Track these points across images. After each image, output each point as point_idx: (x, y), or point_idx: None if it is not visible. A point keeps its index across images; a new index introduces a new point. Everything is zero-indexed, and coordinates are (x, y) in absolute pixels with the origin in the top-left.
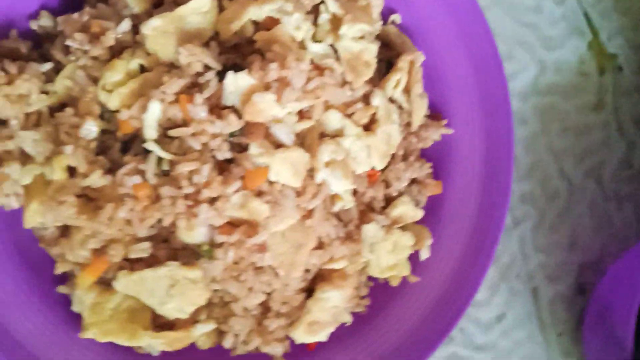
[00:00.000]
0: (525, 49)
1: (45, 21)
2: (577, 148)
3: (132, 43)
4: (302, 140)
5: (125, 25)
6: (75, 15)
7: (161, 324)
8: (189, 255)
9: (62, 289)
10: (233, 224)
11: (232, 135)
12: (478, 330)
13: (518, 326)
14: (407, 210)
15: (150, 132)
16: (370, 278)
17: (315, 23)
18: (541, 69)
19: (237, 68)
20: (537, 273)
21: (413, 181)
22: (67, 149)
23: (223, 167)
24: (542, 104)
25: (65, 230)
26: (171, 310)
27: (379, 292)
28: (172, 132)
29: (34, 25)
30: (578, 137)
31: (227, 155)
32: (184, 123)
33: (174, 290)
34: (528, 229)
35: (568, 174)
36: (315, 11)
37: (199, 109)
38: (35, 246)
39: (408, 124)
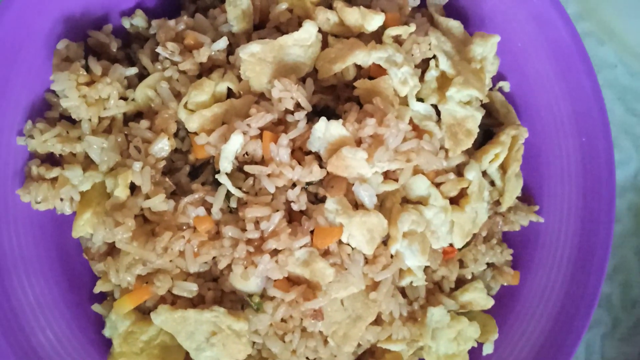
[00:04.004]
0: (632, 140)
1: (138, 21)
2: None
3: (225, 63)
4: (382, 202)
5: (222, 43)
6: (172, 22)
7: None
8: (235, 301)
9: (97, 308)
10: (291, 280)
11: (308, 183)
12: None
13: None
14: (478, 297)
15: (226, 164)
16: None
17: (421, 78)
18: None
19: (329, 111)
20: None
21: (488, 265)
22: (135, 165)
23: (292, 215)
24: (639, 203)
25: (113, 248)
26: (207, 359)
27: None
28: (248, 169)
29: (126, 23)
30: None
31: (304, 207)
32: (263, 161)
33: (215, 339)
34: (599, 335)
35: None
36: (423, 65)
37: (281, 151)
38: (79, 256)
39: (496, 203)
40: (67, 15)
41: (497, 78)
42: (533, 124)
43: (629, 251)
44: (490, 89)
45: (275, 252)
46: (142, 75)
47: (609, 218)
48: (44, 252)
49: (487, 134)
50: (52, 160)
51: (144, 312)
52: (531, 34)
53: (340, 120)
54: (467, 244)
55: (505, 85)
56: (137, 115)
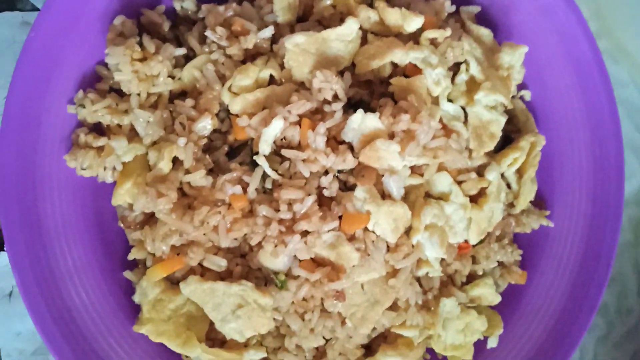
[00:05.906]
0: (637, 156)
1: (188, 4)
2: None
3: (268, 51)
4: (406, 195)
5: (268, 32)
6: (221, 8)
7: (213, 337)
8: (260, 277)
9: (128, 275)
10: (315, 262)
11: (340, 171)
12: None
13: None
14: (487, 293)
15: (265, 147)
16: (428, 350)
17: (452, 80)
18: None
19: (364, 104)
20: None
21: (498, 263)
22: (180, 141)
23: (322, 200)
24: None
25: (150, 218)
26: (231, 330)
27: None
28: (286, 153)
29: (177, 5)
30: None
31: (334, 194)
32: (299, 147)
33: (241, 312)
34: (593, 339)
35: None
36: (454, 68)
37: (318, 138)
38: (114, 224)
39: (511, 205)
40: None
41: (518, 87)
42: (550, 133)
43: (627, 262)
44: (512, 97)
45: (304, 234)
46: (188, 56)
47: (614, 228)
48: (82, 218)
49: (505, 140)
50: (97, 129)
51: (172, 282)
52: (555, 47)
53: (377, 114)
54: (481, 241)
55: (526, 94)
56: (181, 94)
